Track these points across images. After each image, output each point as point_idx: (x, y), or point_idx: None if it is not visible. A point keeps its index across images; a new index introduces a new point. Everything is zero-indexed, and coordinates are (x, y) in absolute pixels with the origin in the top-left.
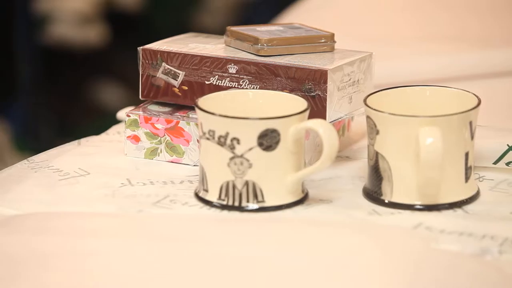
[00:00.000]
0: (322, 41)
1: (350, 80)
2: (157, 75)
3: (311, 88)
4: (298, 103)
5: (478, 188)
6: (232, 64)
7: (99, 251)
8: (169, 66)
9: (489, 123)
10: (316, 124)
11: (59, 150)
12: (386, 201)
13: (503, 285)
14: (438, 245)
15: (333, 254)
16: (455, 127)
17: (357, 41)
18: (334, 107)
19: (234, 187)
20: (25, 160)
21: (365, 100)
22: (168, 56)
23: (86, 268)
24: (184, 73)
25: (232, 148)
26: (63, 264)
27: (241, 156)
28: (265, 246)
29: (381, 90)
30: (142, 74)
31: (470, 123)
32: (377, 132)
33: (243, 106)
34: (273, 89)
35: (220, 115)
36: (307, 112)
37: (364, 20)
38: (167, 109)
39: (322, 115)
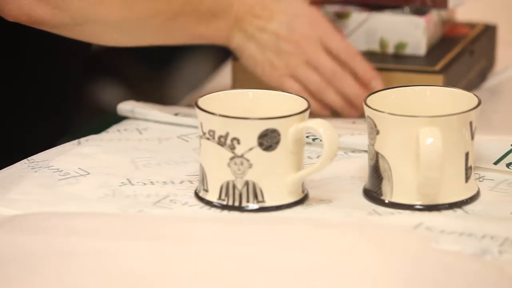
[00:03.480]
0: None
1: None
2: None
3: None
4: (298, 103)
5: (478, 188)
6: None
7: (99, 251)
8: None
9: (492, 124)
10: (316, 124)
11: (59, 150)
12: (386, 201)
13: (503, 285)
14: (438, 245)
15: (333, 254)
16: (455, 127)
17: None
18: None
19: (234, 187)
20: (25, 159)
21: (365, 100)
22: None
23: (86, 268)
24: None
25: (232, 148)
26: (63, 264)
27: (241, 156)
28: (265, 246)
29: (381, 90)
30: None
31: (470, 123)
32: (377, 132)
33: (243, 106)
34: None
35: (220, 115)
36: (307, 112)
37: None
38: None
39: (445, 1)
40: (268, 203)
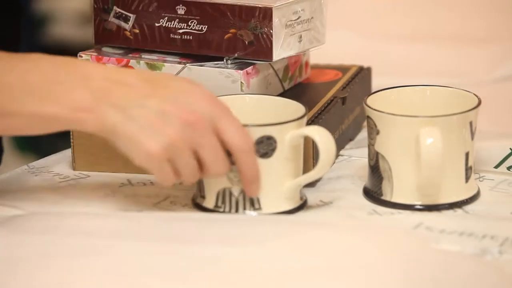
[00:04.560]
0: None
1: (299, 18)
2: (109, 19)
3: (257, 26)
4: (295, 108)
5: (478, 188)
6: (181, 5)
7: (99, 252)
8: (120, 10)
9: (492, 126)
10: (312, 131)
11: (59, 156)
12: (386, 201)
13: (503, 285)
14: (438, 245)
15: (333, 254)
16: (455, 127)
17: (364, 38)
18: (282, 45)
19: (230, 194)
20: (25, 165)
21: (365, 100)
22: None
23: (86, 268)
24: (134, 16)
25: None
26: (63, 264)
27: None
28: (265, 247)
29: (381, 90)
30: (94, 19)
31: (470, 123)
32: (377, 132)
33: (240, 112)
34: (220, 28)
35: None
36: (305, 119)
37: (370, 16)
38: (121, 51)
39: (269, 53)
40: (265, 210)
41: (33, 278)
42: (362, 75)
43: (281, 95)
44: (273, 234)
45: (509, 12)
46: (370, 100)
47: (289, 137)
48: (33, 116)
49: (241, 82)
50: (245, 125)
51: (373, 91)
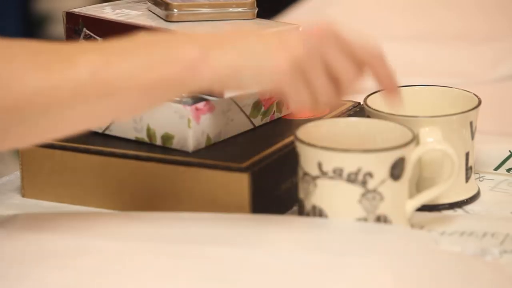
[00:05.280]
0: (238, 9)
1: None
2: (79, 40)
3: None
4: (390, 128)
5: (478, 188)
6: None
7: (99, 251)
8: (89, 32)
9: (492, 126)
10: (442, 144)
11: None
12: None
13: (503, 285)
14: (439, 245)
15: (331, 254)
16: (455, 127)
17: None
18: None
19: None
20: None
21: (365, 100)
22: (88, 21)
23: (86, 268)
24: (101, 39)
25: (364, 183)
26: (63, 264)
27: (374, 190)
28: (264, 247)
29: (381, 90)
30: (66, 39)
31: (471, 123)
32: None
33: (342, 136)
34: None
35: (352, 151)
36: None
37: (371, 16)
38: None
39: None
40: None
41: (33, 278)
42: (352, 112)
43: (250, 131)
44: (272, 235)
45: (509, 12)
46: (370, 100)
47: (414, 156)
48: (144, 85)
49: (188, 118)
50: (382, 149)
51: (373, 91)
